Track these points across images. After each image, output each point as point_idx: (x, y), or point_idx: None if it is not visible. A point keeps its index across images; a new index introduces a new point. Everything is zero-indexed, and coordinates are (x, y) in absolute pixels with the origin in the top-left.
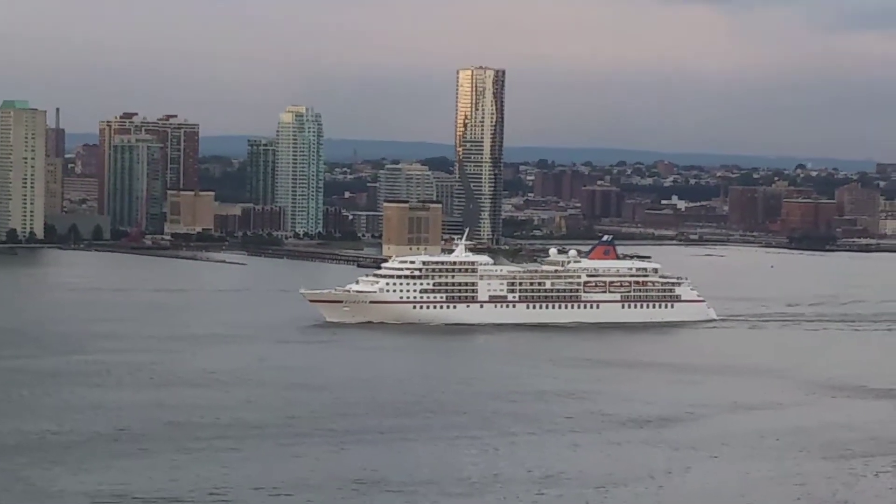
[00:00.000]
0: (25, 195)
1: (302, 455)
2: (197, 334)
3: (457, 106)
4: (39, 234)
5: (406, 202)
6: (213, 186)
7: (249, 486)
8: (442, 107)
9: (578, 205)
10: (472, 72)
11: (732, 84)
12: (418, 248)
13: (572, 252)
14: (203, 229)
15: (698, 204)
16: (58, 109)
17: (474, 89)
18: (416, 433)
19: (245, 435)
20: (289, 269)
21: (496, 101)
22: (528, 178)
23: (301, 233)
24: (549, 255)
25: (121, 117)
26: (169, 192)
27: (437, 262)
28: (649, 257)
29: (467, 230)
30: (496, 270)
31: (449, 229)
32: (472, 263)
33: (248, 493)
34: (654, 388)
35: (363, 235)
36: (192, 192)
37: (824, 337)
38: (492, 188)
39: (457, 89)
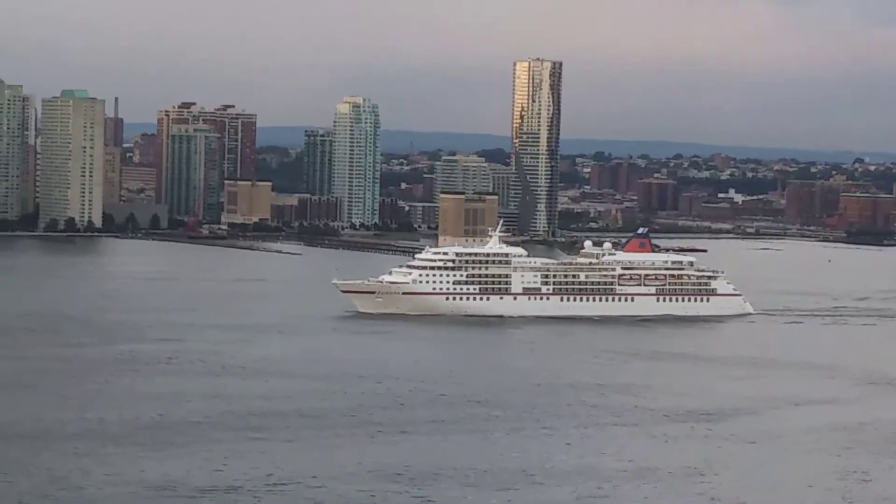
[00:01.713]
0: (84, 184)
1: (357, 445)
2: (254, 324)
3: (513, 98)
4: (97, 222)
5: (462, 193)
6: (270, 177)
7: (306, 475)
8: (499, 98)
9: (635, 197)
10: (530, 63)
11: (789, 77)
12: (474, 240)
13: (607, 244)
14: (260, 219)
15: (755, 197)
16: (116, 99)
17: (531, 81)
18: (468, 424)
19: (301, 425)
20: (345, 260)
21: (553, 93)
22: (585, 170)
23: (357, 223)
24: (584, 248)
25: (179, 107)
26: (226, 181)
27: (470, 254)
28: (705, 251)
29: (500, 221)
30: (530, 262)
31: (505, 221)
32: (506, 255)
33: (306, 481)
34: (705, 382)
35: (419, 226)
36: (249, 182)
37: (870, 332)
38: (548, 180)
39: (514, 81)
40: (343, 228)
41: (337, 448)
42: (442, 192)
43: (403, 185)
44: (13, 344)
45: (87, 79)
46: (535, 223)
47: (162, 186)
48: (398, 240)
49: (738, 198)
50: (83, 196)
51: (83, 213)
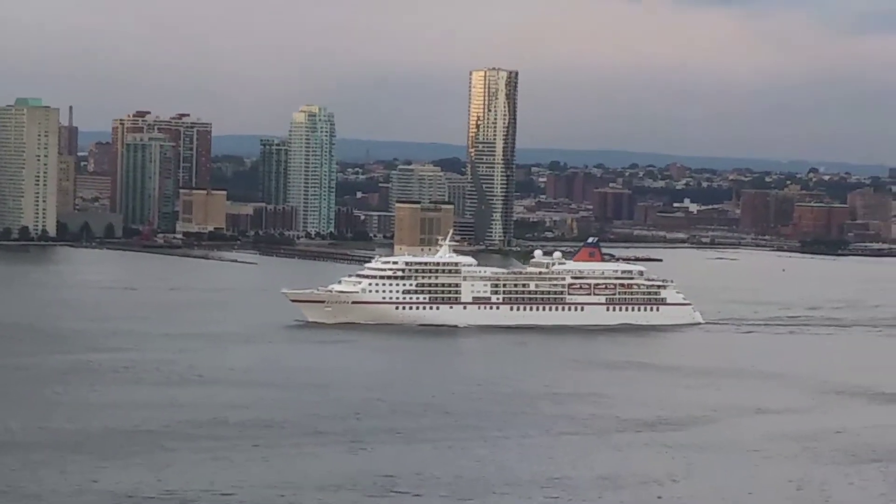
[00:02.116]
0: (38, 193)
1: (317, 455)
2: (209, 333)
3: (469, 107)
4: (52, 231)
5: (418, 203)
6: (226, 185)
7: (263, 485)
8: (455, 108)
9: (590, 207)
10: (485, 73)
11: (745, 87)
12: (430, 249)
13: (557, 254)
14: (215, 228)
15: (710, 207)
16: (71, 107)
17: (487, 91)
18: (426, 433)
19: (259, 435)
20: (300, 269)
21: (509, 103)
22: (540, 179)
23: (313, 232)
24: (533, 257)
25: (133, 116)
26: (181, 190)
27: (420, 263)
28: (660, 260)
29: (451, 231)
30: (480, 272)
31: (460, 230)
32: (456, 264)
33: (263, 492)
34: (661, 391)
35: (375, 236)
36: (205, 191)
37: (822, 341)
38: (504, 189)
39: (469, 90)
40: (298, 237)
41: (294, 457)
42: (397, 202)
43: (359, 195)
44: None
45: (41, 87)
46: (491, 232)
47: (117, 195)
48: (354, 249)
49: (694, 207)
50: (37, 205)
51: (37, 221)
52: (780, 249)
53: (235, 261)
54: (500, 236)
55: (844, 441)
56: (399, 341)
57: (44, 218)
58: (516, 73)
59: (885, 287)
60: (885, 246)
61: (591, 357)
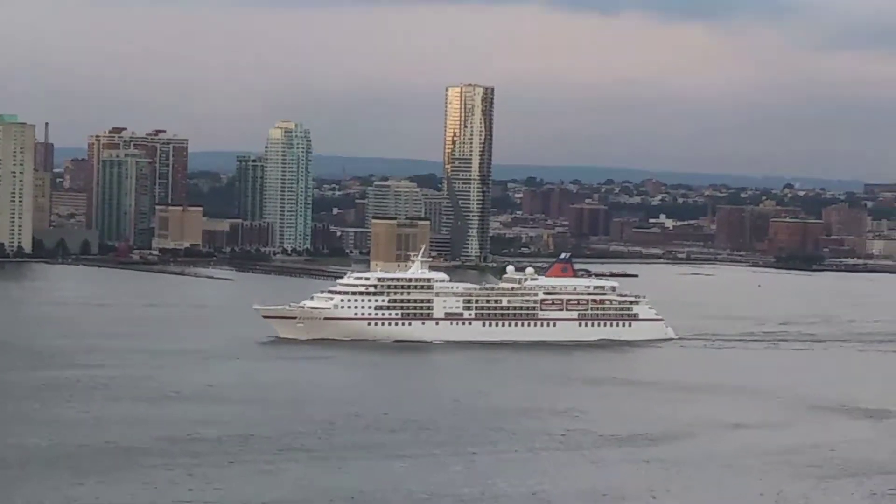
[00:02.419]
0: (14, 209)
1: (292, 471)
2: (184, 349)
3: (445, 123)
4: (27, 248)
5: (394, 219)
6: (202, 202)
7: (242, 500)
8: (431, 124)
9: (566, 223)
10: (462, 89)
11: (721, 103)
12: (406, 265)
13: (529, 269)
14: (191, 245)
15: (686, 223)
16: (46, 124)
17: (463, 107)
18: (402, 449)
19: (234, 451)
20: (276, 285)
21: (485, 119)
22: (517, 195)
23: (289, 249)
24: (506, 273)
25: (109, 132)
26: (157, 207)
27: (392, 279)
28: (636, 276)
29: (423, 247)
30: (452, 287)
31: (437, 246)
32: (428, 280)
33: None
34: (638, 406)
35: (351, 252)
36: (181, 208)
37: (795, 357)
38: (480, 205)
39: (446, 107)
40: (275, 254)
41: (272, 473)
42: (374, 218)
43: (335, 211)
44: None
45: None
46: (468, 248)
47: (93, 212)
48: (330, 265)
49: (669, 223)
50: (13, 221)
51: (13, 238)
52: (755, 265)
53: (212, 277)
54: (476, 252)
55: (821, 456)
56: (372, 357)
57: (19, 234)
58: (492, 90)
59: (860, 302)
60: (860, 261)
61: (566, 372)
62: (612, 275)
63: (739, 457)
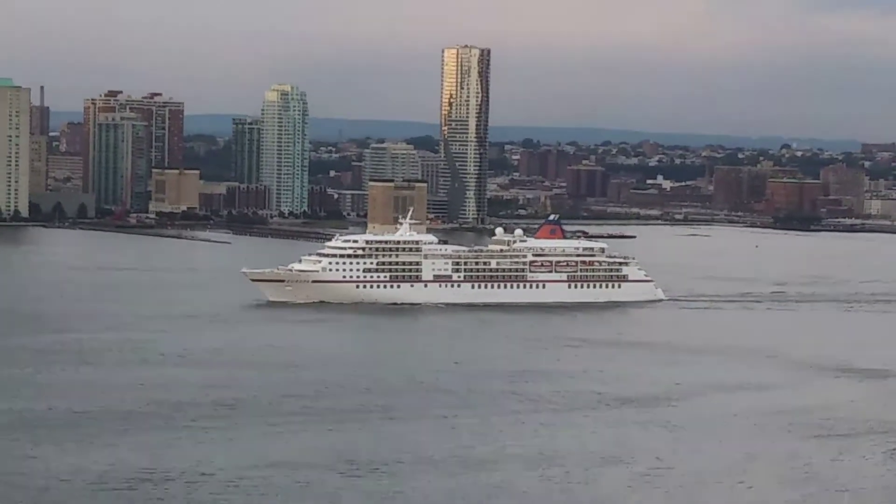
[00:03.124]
0: (10, 173)
1: (291, 434)
2: (182, 313)
3: (442, 85)
4: (24, 212)
5: (391, 181)
6: (198, 165)
7: (242, 464)
8: (427, 86)
9: (564, 184)
10: (458, 51)
11: (718, 64)
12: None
13: (518, 231)
14: (188, 208)
15: (683, 184)
16: (42, 87)
17: (459, 68)
18: (405, 412)
19: (232, 414)
20: (273, 248)
21: (481, 81)
22: (514, 157)
23: (286, 212)
24: (495, 234)
25: (105, 95)
26: (154, 170)
27: (380, 241)
28: (634, 237)
29: (412, 209)
30: (441, 249)
31: (434, 208)
32: (417, 242)
33: (241, 472)
34: (632, 368)
35: (348, 214)
36: (177, 171)
37: (788, 317)
38: (477, 167)
39: (442, 68)
40: (272, 217)
41: (273, 436)
42: (371, 180)
43: (332, 174)
44: None
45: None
46: (465, 210)
47: (89, 175)
48: (327, 228)
49: (667, 184)
50: (9, 185)
51: (9, 202)
52: (753, 226)
53: (209, 240)
54: (473, 214)
55: (821, 416)
56: (363, 320)
57: (16, 198)
58: (488, 51)
59: (857, 262)
60: (858, 221)
61: (561, 334)
62: (610, 236)
63: (742, 418)
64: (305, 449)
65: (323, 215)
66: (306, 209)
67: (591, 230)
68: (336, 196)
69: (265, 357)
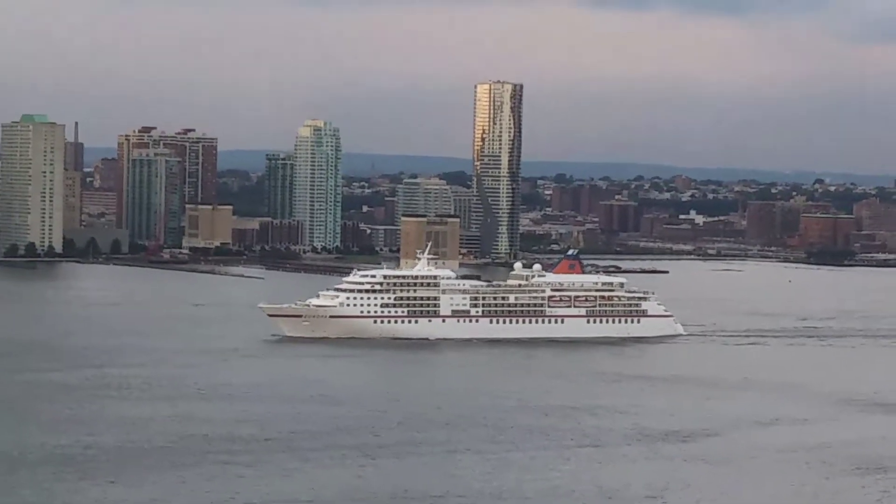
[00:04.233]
0: (44, 209)
1: (328, 469)
2: (216, 348)
3: (474, 120)
4: (58, 247)
5: (424, 216)
6: (232, 200)
7: (278, 499)
8: (460, 121)
9: (596, 219)
10: (490, 86)
11: (750, 98)
12: (437, 262)
13: (537, 266)
14: (221, 243)
15: (716, 219)
16: (76, 123)
17: (492, 104)
18: (436, 447)
19: (268, 449)
20: (306, 283)
21: (514, 116)
22: (546, 192)
23: (319, 247)
24: (514, 269)
25: (139, 131)
26: (187, 206)
27: (398, 276)
28: (667, 272)
29: (429, 244)
30: (459, 285)
31: (467, 243)
32: (435, 277)
33: None
34: (661, 403)
35: (381, 249)
36: (211, 206)
37: (813, 352)
38: (509, 202)
39: (474, 104)
40: (305, 252)
41: (306, 472)
42: (403, 215)
43: (365, 208)
44: None
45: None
46: (497, 245)
47: (123, 211)
48: (360, 263)
49: (699, 219)
50: (44, 221)
51: (44, 238)
52: (786, 261)
53: (242, 275)
54: (506, 249)
55: (853, 451)
56: (384, 355)
57: (50, 234)
58: (521, 86)
59: (891, 297)
60: (892, 256)
61: (584, 370)
62: (643, 271)
63: (772, 452)
64: (337, 485)
65: (355, 250)
66: (339, 244)
67: (624, 265)
68: (369, 231)
69: (293, 391)
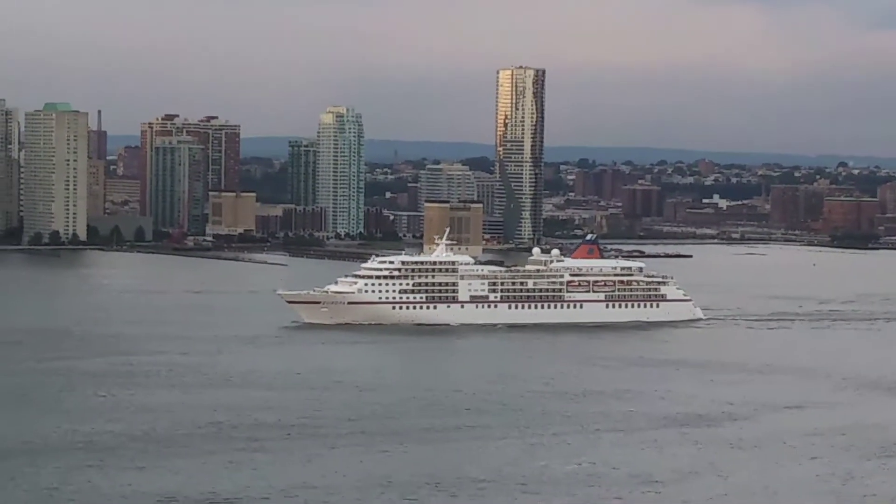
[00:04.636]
0: (68, 197)
1: (352, 454)
2: (241, 335)
3: (497, 106)
4: (82, 235)
5: (447, 202)
6: (255, 187)
7: (304, 485)
8: (482, 107)
9: (619, 204)
10: (513, 72)
11: (773, 82)
12: (459, 248)
13: (555, 251)
14: (245, 230)
15: (740, 202)
16: (100, 111)
17: (514, 89)
18: (463, 432)
19: (294, 435)
20: (330, 270)
21: (536, 101)
22: (569, 177)
23: (342, 233)
24: (532, 255)
25: (162, 119)
26: (210, 193)
27: (416, 262)
28: (690, 256)
29: (447, 230)
30: (477, 270)
31: (490, 229)
32: (453, 263)
33: (303, 493)
34: (686, 387)
35: (404, 235)
36: (234, 194)
37: (831, 335)
38: (532, 188)
39: (497, 89)
40: (328, 238)
41: (333, 458)
42: (427, 201)
43: (388, 195)
44: (4, 357)
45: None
46: (520, 231)
47: (146, 198)
48: (383, 249)
49: (723, 203)
50: (67, 209)
51: (67, 226)
52: (810, 244)
53: (266, 262)
54: (529, 235)
55: (879, 435)
56: (403, 341)
57: (74, 222)
58: (543, 72)
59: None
60: None
61: (607, 354)
62: (667, 255)
63: (797, 436)
64: (361, 471)
65: (379, 237)
66: (362, 231)
67: (647, 250)
68: (392, 217)
69: (316, 378)
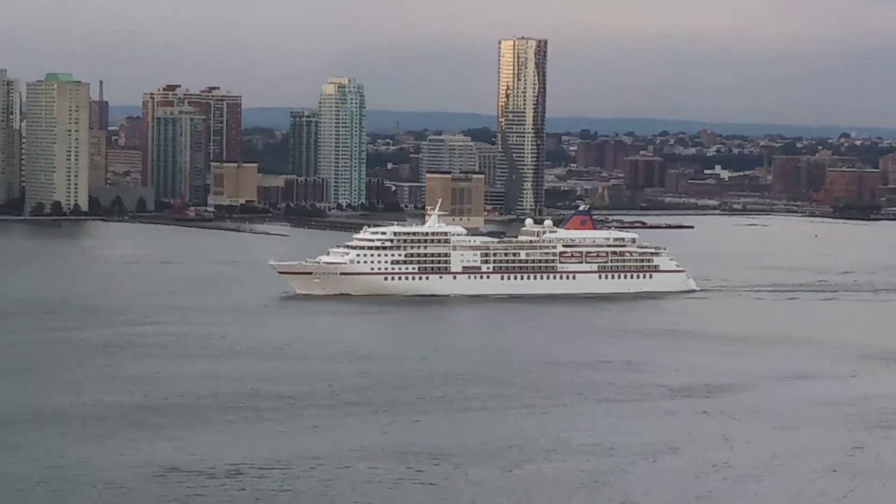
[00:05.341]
0: (69, 167)
1: (360, 424)
2: (243, 306)
3: (499, 77)
4: (84, 206)
5: (448, 173)
6: (256, 158)
7: (310, 455)
8: (484, 78)
9: (621, 175)
10: (514, 42)
11: (775, 53)
12: (461, 219)
13: (548, 222)
14: (246, 201)
15: (741, 173)
16: (101, 82)
17: (516, 60)
18: (472, 401)
19: (300, 406)
20: (332, 240)
21: (538, 72)
22: (571, 148)
23: (344, 204)
24: (525, 225)
25: (164, 89)
26: (212, 163)
27: (408, 233)
28: (692, 227)
29: (441, 200)
30: (470, 241)
31: (492, 200)
32: (445, 234)
33: (310, 462)
34: (691, 358)
35: (406, 206)
36: (236, 164)
37: (830, 307)
38: (534, 159)
39: (499, 60)
40: (330, 209)
41: (340, 427)
42: (428, 172)
43: (390, 166)
44: (7, 328)
45: (71, 62)
46: (522, 202)
47: (148, 169)
48: (385, 220)
49: (725, 174)
50: (69, 180)
51: (69, 196)
52: (812, 215)
53: (267, 233)
54: (531, 206)
55: (885, 405)
56: (398, 312)
57: (76, 192)
58: (545, 42)
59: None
60: None
61: (604, 325)
62: (668, 226)
63: (804, 408)
64: (364, 442)
65: (380, 207)
66: (364, 201)
67: (649, 220)
68: (394, 188)
69: (316, 349)
